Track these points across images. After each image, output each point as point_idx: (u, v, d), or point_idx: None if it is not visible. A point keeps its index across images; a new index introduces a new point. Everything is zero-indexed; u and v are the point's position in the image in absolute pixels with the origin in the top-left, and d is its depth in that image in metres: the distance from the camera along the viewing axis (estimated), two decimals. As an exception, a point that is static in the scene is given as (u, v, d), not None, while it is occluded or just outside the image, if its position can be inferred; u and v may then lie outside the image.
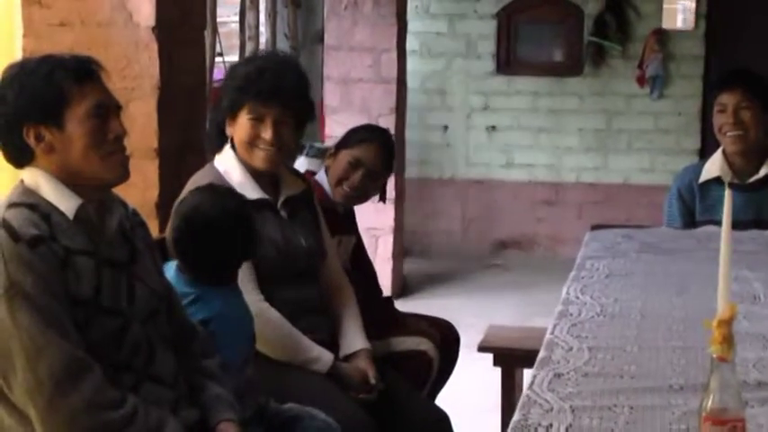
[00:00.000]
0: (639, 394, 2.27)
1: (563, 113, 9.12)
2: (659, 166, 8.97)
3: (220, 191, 2.89)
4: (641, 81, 8.94)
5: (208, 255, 2.76)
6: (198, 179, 3.16)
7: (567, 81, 9.10)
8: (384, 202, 3.92)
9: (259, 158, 3.17)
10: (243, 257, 2.85)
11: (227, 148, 3.22)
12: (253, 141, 3.16)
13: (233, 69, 3.34)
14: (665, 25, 8.84)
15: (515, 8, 9.11)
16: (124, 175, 2.41)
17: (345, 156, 3.67)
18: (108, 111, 2.37)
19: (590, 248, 3.83)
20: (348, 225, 3.80)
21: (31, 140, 2.32)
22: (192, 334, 2.61)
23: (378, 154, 3.70)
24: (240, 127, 3.18)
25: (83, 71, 2.36)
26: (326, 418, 2.78)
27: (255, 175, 3.19)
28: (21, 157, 2.36)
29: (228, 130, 3.22)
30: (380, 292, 4.00)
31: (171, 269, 2.79)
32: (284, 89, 3.15)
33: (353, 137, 3.75)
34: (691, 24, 8.83)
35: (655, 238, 3.98)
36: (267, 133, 3.14)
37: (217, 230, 2.73)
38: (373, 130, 3.93)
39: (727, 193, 1.87)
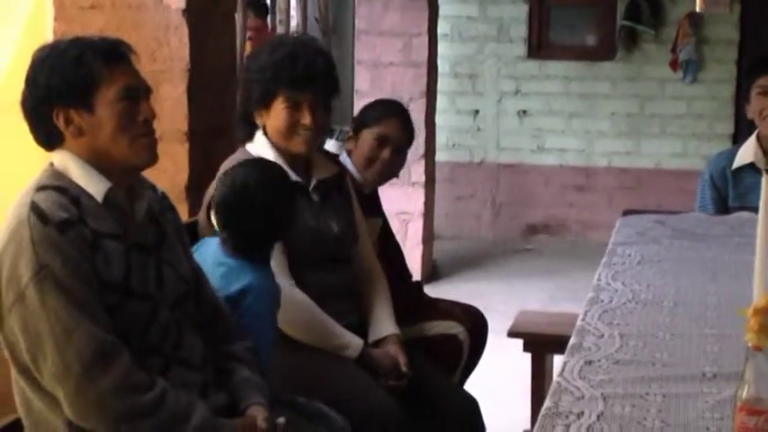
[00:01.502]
0: (672, 382, 2.25)
1: (595, 98, 9.07)
2: (692, 150, 8.91)
3: (271, 166, 2.89)
4: (674, 65, 8.87)
5: (248, 224, 2.76)
6: (231, 164, 3.14)
7: (599, 65, 9.05)
8: (397, 176, 3.87)
9: (299, 143, 3.15)
10: (280, 235, 2.85)
11: (259, 133, 3.20)
12: (292, 128, 3.13)
13: (255, 59, 3.28)
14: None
15: (547, -8, 9.08)
16: (152, 159, 2.40)
17: (369, 135, 3.64)
18: (137, 94, 2.36)
19: (622, 234, 3.80)
20: (373, 207, 3.76)
21: (61, 123, 2.31)
22: (221, 317, 2.61)
23: (401, 127, 3.67)
24: (276, 115, 3.15)
25: (112, 54, 2.35)
26: (344, 426, 2.75)
27: (288, 159, 3.17)
28: (50, 140, 2.36)
29: (259, 120, 3.19)
30: (409, 276, 3.98)
31: (213, 243, 2.80)
32: (317, 74, 3.13)
33: (371, 114, 3.70)
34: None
35: (687, 225, 3.95)
36: (306, 119, 3.12)
37: (261, 203, 2.74)
38: (389, 104, 3.87)
39: (764, 180, 1.84)
